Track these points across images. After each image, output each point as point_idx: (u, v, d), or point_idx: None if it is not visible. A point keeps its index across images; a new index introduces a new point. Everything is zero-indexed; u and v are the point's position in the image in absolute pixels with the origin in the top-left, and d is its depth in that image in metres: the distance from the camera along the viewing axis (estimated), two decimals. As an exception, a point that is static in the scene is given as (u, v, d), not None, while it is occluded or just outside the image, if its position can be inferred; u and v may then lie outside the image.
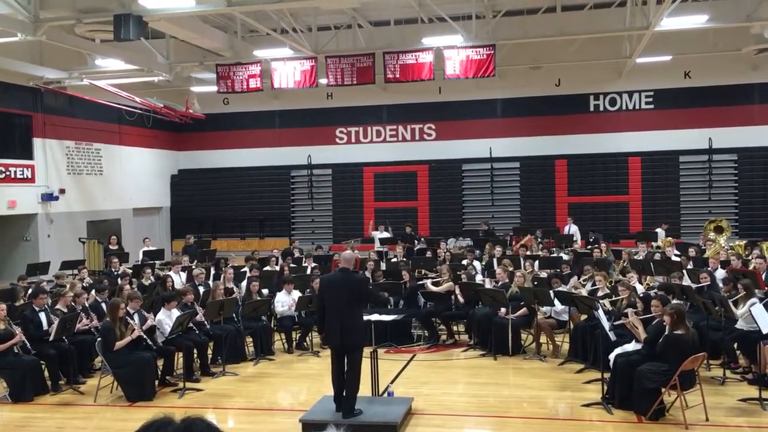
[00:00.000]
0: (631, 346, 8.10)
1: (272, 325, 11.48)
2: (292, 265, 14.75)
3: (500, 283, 11.38)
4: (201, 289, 11.65)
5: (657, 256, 14.09)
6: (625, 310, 8.56)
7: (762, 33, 17.19)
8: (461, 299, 11.42)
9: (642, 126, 22.87)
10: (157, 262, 16.40)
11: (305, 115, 25.04)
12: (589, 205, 22.92)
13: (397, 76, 16.80)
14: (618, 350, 8.10)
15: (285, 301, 11.33)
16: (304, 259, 15.33)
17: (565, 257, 15.11)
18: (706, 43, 19.57)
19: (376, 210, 23.82)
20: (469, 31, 16.58)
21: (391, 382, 8.42)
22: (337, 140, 25.23)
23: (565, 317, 10.45)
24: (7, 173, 18.26)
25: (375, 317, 9.31)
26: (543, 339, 10.57)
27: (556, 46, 19.76)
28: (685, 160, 22.69)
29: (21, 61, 17.39)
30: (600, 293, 10.27)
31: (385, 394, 8.03)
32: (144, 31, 13.28)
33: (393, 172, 24.60)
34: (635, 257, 14.13)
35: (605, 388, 8.03)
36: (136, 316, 9.10)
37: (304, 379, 9.75)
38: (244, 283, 12.42)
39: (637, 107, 23.07)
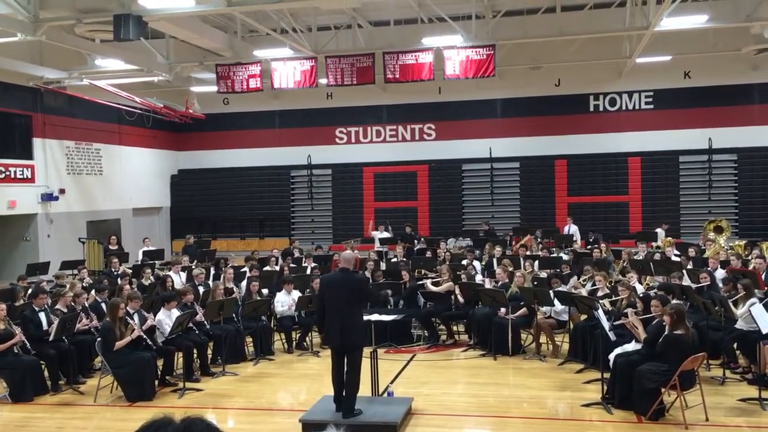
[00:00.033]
0: (631, 346, 8.10)
1: (272, 325, 11.48)
2: (291, 265, 14.75)
3: (500, 283, 11.38)
4: (201, 289, 11.65)
5: (657, 256, 14.09)
6: (625, 310, 8.57)
7: (762, 33, 17.19)
8: (461, 299, 11.42)
9: (642, 126, 22.87)
10: (156, 262, 16.39)
11: (305, 115, 25.04)
12: (588, 205, 22.92)
13: (397, 76, 16.80)
14: (618, 350, 8.10)
15: (285, 301, 11.33)
16: (303, 259, 15.33)
17: (565, 257, 15.11)
18: (705, 43, 19.58)
19: (376, 210, 23.82)
20: (469, 31, 16.58)
21: (391, 382, 8.42)
22: (337, 140, 25.24)
23: (565, 317, 10.45)
24: (7, 173, 18.26)
25: (375, 317, 9.32)
26: (543, 339, 10.57)
27: (556, 46, 19.76)
28: (685, 160, 22.70)
29: (21, 61, 17.39)
30: (600, 293, 10.28)
31: (385, 394, 8.03)
32: (144, 31, 13.28)
33: (393, 172, 24.60)
34: (635, 257, 14.13)
35: (605, 388, 8.03)
36: (135, 316, 9.10)
37: (303, 379, 9.76)
38: (243, 283, 12.42)
39: (637, 107, 23.07)
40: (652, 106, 22.95)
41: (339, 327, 7.31)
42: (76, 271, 14.35)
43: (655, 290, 9.51)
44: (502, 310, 10.47)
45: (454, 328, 11.69)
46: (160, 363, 9.21)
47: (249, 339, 10.86)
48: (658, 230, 18.78)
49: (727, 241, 17.09)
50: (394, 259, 16.10)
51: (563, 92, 23.10)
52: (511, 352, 10.30)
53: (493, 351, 10.38)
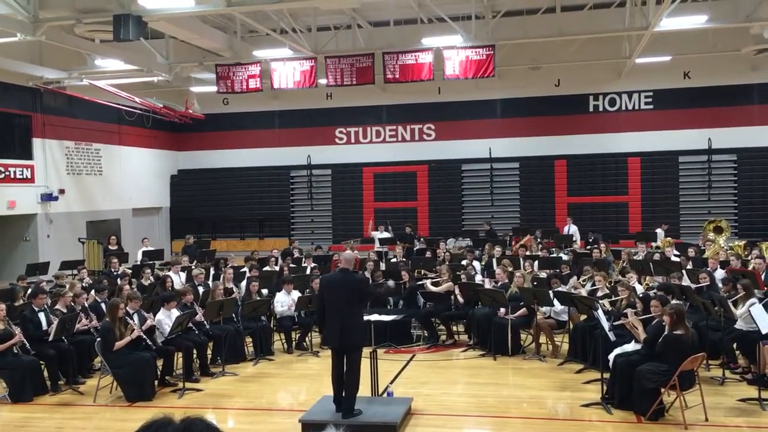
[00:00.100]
0: (631, 347, 8.10)
1: (272, 326, 11.49)
2: (291, 265, 14.75)
3: (500, 284, 11.39)
4: (200, 290, 11.65)
5: (656, 257, 14.09)
6: (625, 311, 8.57)
7: (761, 33, 17.19)
8: (461, 299, 11.43)
9: (641, 126, 22.88)
10: (156, 262, 16.40)
11: (305, 115, 25.04)
12: (588, 206, 22.92)
13: (397, 76, 16.80)
14: (617, 350, 8.10)
15: (284, 301, 11.33)
16: (303, 260, 15.33)
17: (565, 257, 15.11)
18: (705, 44, 19.58)
19: (376, 210, 23.82)
20: (469, 32, 16.58)
21: (391, 383, 8.42)
22: (337, 140, 25.24)
23: (565, 317, 10.45)
24: (7, 173, 18.25)
25: (375, 317, 9.31)
26: (542, 339, 10.57)
27: (556, 47, 19.76)
28: (685, 160, 22.70)
29: (20, 61, 17.38)
30: (599, 293, 10.28)
31: (385, 395, 8.04)
32: (143, 32, 13.28)
33: (392, 173, 24.60)
34: (635, 257, 14.13)
35: (605, 388, 8.03)
36: (135, 317, 9.11)
37: (303, 380, 9.76)
38: (243, 284, 12.42)
39: (637, 107, 23.07)
40: (651, 107, 22.95)
41: (339, 327, 7.31)
42: (75, 272, 14.36)
43: (655, 290, 9.51)
44: (502, 310, 10.48)
45: (454, 328, 11.69)
46: (159, 363, 9.21)
47: (249, 339, 10.86)
48: (658, 230, 18.78)
49: (726, 242, 17.10)
50: (394, 260, 16.10)
51: (563, 92, 23.10)
52: (511, 352, 10.30)
53: (492, 351, 10.38)
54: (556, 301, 10.41)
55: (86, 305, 10.24)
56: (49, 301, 9.97)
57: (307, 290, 11.74)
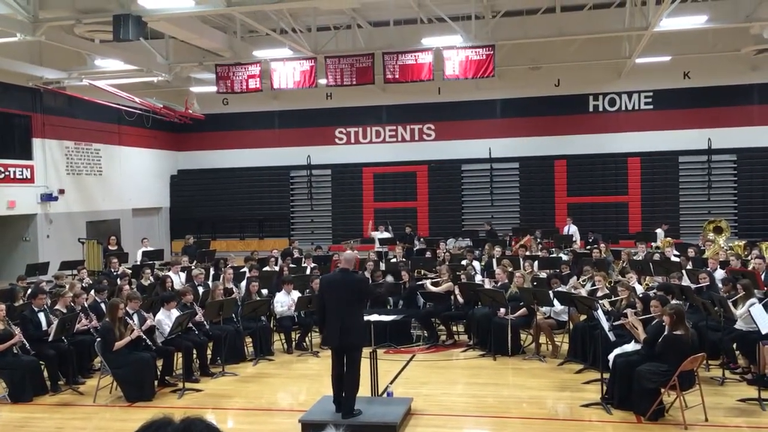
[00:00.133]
0: (631, 347, 8.10)
1: (272, 326, 11.49)
2: (291, 265, 14.75)
3: (499, 284, 11.39)
4: (200, 290, 11.65)
5: (656, 257, 14.09)
6: (625, 311, 8.57)
7: (761, 33, 17.19)
8: (461, 299, 11.43)
9: (641, 126, 22.88)
10: (156, 262, 16.40)
11: (305, 115, 25.04)
12: (588, 206, 22.92)
13: (397, 76, 16.79)
14: (617, 350, 8.10)
15: (284, 301, 11.33)
16: (303, 260, 15.32)
17: (565, 257, 15.11)
18: (705, 44, 19.58)
19: (376, 210, 23.82)
20: (469, 32, 16.58)
21: (391, 383, 8.42)
22: (337, 140, 25.24)
23: (565, 317, 10.45)
24: (7, 173, 18.25)
25: (375, 317, 9.31)
26: (542, 339, 10.57)
27: (556, 47, 19.76)
28: (685, 160, 22.70)
29: (20, 61, 17.38)
30: (599, 293, 10.28)
31: (385, 395, 8.03)
32: (143, 32, 13.28)
33: (392, 173, 24.59)
34: (634, 257, 14.13)
35: (605, 388, 8.03)
36: (135, 317, 9.10)
37: (303, 380, 9.75)
38: (243, 284, 12.42)
39: (637, 107, 23.07)
40: (651, 107, 22.95)
41: (338, 327, 7.31)
42: (75, 272, 14.36)
43: (655, 290, 9.51)
44: (502, 310, 10.48)
45: (454, 328, 11.69)
46: (159, 363, 9.21)
47: (248, 339, 10.86)
48: (658, 230, 18.78)
49: (726, 242, 17.09)
50: (394, 260, 16.09)
51: (563, 92, 23.10)
52: (511, 352, 10.30)
53: (492, 351, 10.38)
54: (556, 301, 10.41)
55: (86, 305, 10.24)
56: (49, 301, 9.97)
57: (307, 290, 11.74)
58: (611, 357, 8.03)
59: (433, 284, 11.62)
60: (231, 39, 18.32)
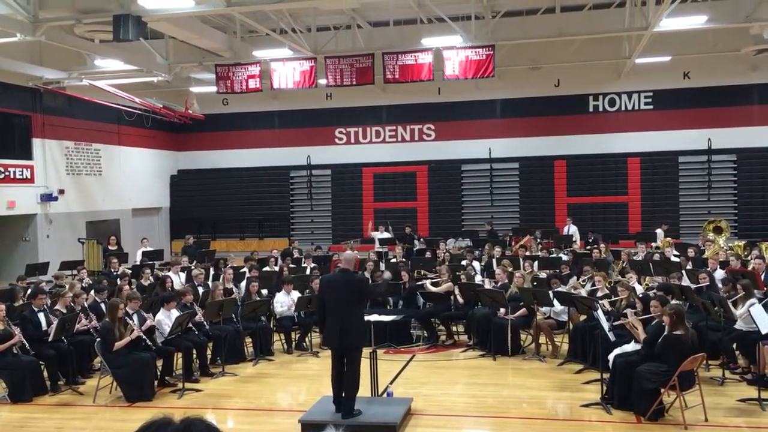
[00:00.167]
0: (631, 347, 8.10)
1: (271, 326, 11.49)
2: (291, 265, 14.74)
3: (499, 284, 11.39)
4: (200, 290, 11.65)
5: (656, 257, 14.09)
6: (625, 311, 8.57)
7: (761, 34, 17.19)
8: (460, 300, 11.43)
9: (641, 126, 22.88)
10: (156, 262, 16.40)
11: (304, 115, 25.04)
12: (588, 206, 22.93)
13: (397, 76, 16.79)
14: (617, 350, 8.10)
15: (284, 301, 11.33)
16: (303, 260, 15.32)
17: (565, 258, 15.10)
18: (705, 44, 19.58)
19: (376, 210, 23.83)
20: (469, 32, 16.58)
21: (391, 383, 8.42)
22: (337, 141, 25.24)
23: (565, 318, 10.45)
24: (7, 173, 18.25)
25: (374, 318, 9.31)
26: (542, 339, 10.57)
27: (556, 47, 19.76)
28: (685, 160, 22.71)
29: (20, 61, 17.38)
30: (599, 294, 10.28)
31: (385, 395, 8.03)
32: (143, 32, 13.28)
33: (392, 173, 24.60)
34: (634, 258, 14.13)
35: (604, 388, 8.03)
36: (135, 317, 9.10)
37: (303, 380, 9.75)
38: (243, 284, 12.41)
39: (637, 108, 23.08)
40: (651, 107, 22.96)
41: (338, 327, 7.31)
42: (75, 272, 14.36)
43: (655, 291, 9.51)
44: (502, 310, 10.48)
45: (454, 328, 11.68)
46: (159, 363, 9.21)
47: (248, 339, 10.86)
48: (658, 231, 18.77)
49: (726, 242, 17.10)
50: (394, 260, 16.08)
51: (563, 93, 23.11)
52: (511, 352, 10.30)
53: (492, 351, 10.38)
54: (555, 302, 10.41)
55: (86, 305, 10.24)
56: (49, 301, 9.97)
57: (307, 290, 11.73)
58: (611, 357, 8.03)
59: (432, 284, 11.61)
60: (231, 39, 18.32)
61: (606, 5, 18.59)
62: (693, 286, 10.55)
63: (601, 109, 23.33)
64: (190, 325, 9.66)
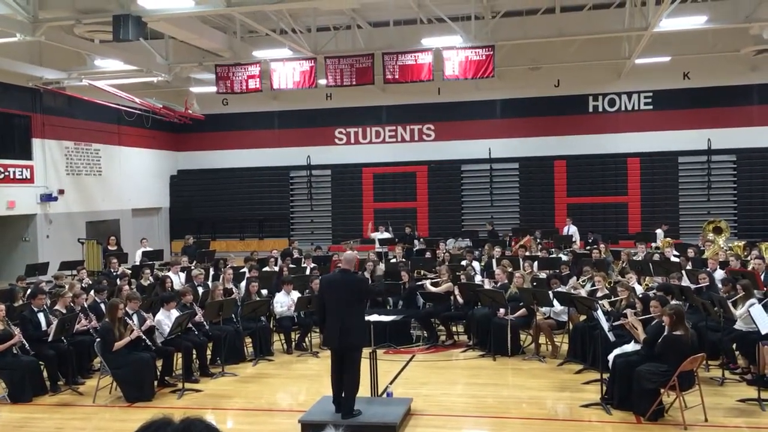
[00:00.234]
0: (630, 347, 8.10)
1: (271, 326, 11.49)
2: (291, 265, 14.75)
3: (499, 284, 11.39)
4: (200, 290, 11.65)
5: (656, 257, 14.09)
6: (624, 311, 8.57)
7: (761, 34, 17.19)
8: (460, 300, 11.43)
9: (641, 127, 22.88)
10: (156, 262, 16.40)
11: (304, 115, 25.05)
12: (588, 206, 22.93)
13: (397, 76, 16.79)
14: (617, 351, 8.10)
15: (284, 301, 11.33)
16: (303, 260, 15.32)
17: (564, 258, 15.11)
18: (705, 44, 19.59)
19: (376, 210, 23.84)
20: (468, 32, 16.58)
21: (391, 383, 8.43)
22: (337, 141, 25.24)
23: (564, 318, 10.45)
24: (6, 173, 18.25)
25: (374, 318, 9.31)
26: (542, 340, 10.57)
27: (556, 47, 19.76)
28: (684, 160, 22.71)
29: (20, 61, 17.38)
30: (599, 294, 10.29)
31: (384, 395, 8.03)
32: (143, 32, 13.27)
33: (392, 173, 24.60)
34: (634, 258, 14.13)
35: (604, 388, 8.03)
36: (135, 317, 9.10)
37: (303, 380, 9.75)
38: (243, 284, 12.41)
39: (636, 108, 23.08)
40: (651, 107, 22.96)
41: (338, 328, 7.31)
42: (75, 272, 14.36)
43: (655, 291, 9.52)
44: (502, 310, 10.48)
45: (454, 328, 11.68)
46: (159, 363, 9.21)
47: (248, 339, 10.86)
48: (658, 231, 18.77)
49: (726, 242, 17.09)
50: (394, 260, 16.09)
51: (562, 93, 23.12)
52: (511, 352, 10.30)
53: (492, 351, 10.38)
54: (555, 302, 10.41)
55: (86, 306, 10.23)
56: (49, 301, 9.97)
57: (307, 291, 11.73)
58: (611, 357, 8.03)
59: (432, 284, 11.62)
60: (231, 39, 18.32)
61: (606, 5, 18.59)
62: (693, 286, 10.55)
63: (600, 109, 23.33)
64: (190, 325, 9.66)
